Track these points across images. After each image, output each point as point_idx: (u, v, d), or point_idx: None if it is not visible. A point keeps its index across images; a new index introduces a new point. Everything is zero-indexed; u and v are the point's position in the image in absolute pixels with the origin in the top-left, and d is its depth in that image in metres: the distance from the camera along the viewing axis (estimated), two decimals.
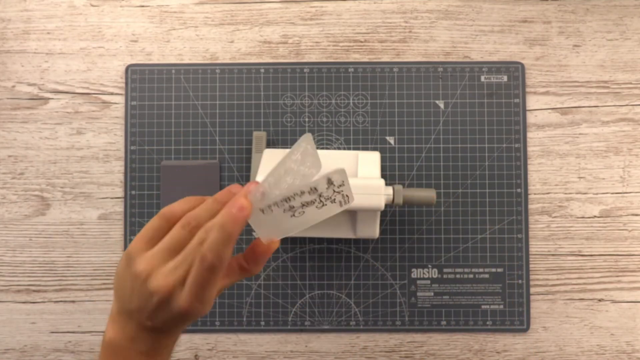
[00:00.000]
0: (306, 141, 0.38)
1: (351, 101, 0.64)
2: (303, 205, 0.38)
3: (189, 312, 0.35)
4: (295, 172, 0.38)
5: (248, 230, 0.63)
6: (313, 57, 0.65)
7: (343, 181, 0.38)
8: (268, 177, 0.37)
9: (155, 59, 0.65)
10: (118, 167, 0.64)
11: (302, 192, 0.38)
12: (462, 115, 0.64)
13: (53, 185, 0.64)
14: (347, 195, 0.39)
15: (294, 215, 0.38)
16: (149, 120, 0.64)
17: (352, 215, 0.57)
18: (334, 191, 0.38)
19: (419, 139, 0.64)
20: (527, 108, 0.64)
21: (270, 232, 0.39)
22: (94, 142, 0.64)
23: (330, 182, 0.38)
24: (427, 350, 0.62)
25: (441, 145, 0.63)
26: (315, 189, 0.38)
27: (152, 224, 0.37)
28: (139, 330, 0.37)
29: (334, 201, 0.39)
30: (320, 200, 0.38)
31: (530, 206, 0.63)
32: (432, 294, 0.63)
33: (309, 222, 0.39)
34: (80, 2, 0.65)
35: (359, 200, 0.51)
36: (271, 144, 0.64)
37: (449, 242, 0.63)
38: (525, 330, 0.62)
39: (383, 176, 0.63)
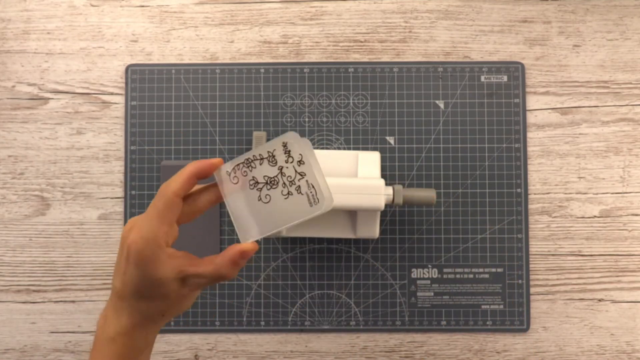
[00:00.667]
0: (287, 137, 0.38)
1: (351, 101, 0.64)
2: (267, 182, 0.38)
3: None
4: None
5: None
6: (313, 57, 0.65)
7: (301, 155, 0.37)
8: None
9: (155, 59, 0.65)
10: (118, 167, 0.64)
11: (262, 157, 0.38)
12: (462, 115, 0.64)
13: (53, 185, 0.64)
14: (313, 186, 0.37)
15: (260, 199, 0.38)
16: (149, 120, 0.64)
17: (352, 215, 0.57)
18: (296, 171, 0.37)
19: (419, 139, 0.64)
20: (527, 108, 0.64)
21: (247, 227, 0.38)
22: (94, 142, 0.64)
23: (285, 149, 0.37)
24: (427, 350, 0.62)
25: (441, 145, 0.63)
26: (273, 155, 0.37)
27: None
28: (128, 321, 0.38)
29: (299, 191, 0.37)
30: (284, 184, 0.37)
31: (530, 206, 0.63)
32: (432, 294, 0.63)
33: (280, 220, 0.38)
34: (80, 2, 0.65)
35: (359, 200, 0.51)
36: None
37: (449, 242, 0.63)
38: (525, 330, 0.62)
39: (383, 176, 0.63)
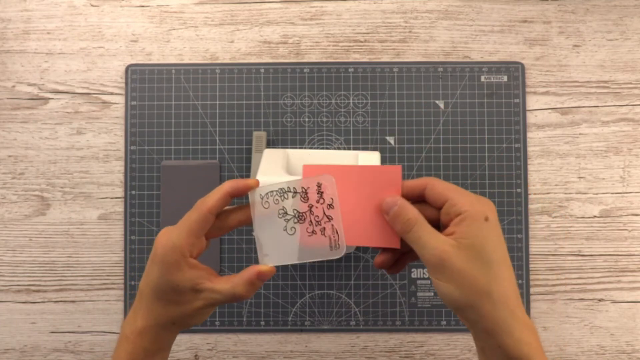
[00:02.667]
0: (324, 179, 0.39)
1: (351, 101, 0.64)
2: (295, 215, 0.39)
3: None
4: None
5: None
6: (313, 57, 0.65)
7: (332, 199, 0.38)
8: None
9: (155, 59, 0.65)
10: (118, 167, 0.64)
11: (295, 191, 0.39)
12: (462, 115, 0.64)
13: (53, 185, 0.64)
14: (337, 232, 0.39)
15: (286, 229, 0.39)
16: (149, 120, 0.64)
17: None
18: (324, 213, 0.39)
19: (419, 139, 0.64)
20: (527, 108, 0.64)
21: (268, 251, 0.40)
22: (94, 142, 0.64)
23: (319, 189, 0.38)
24: (427, 350, 0.62)
25: (441, 145, 0.63)
26: (306, 192, 0.39)
27: None
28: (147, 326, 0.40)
29: (323, 233, 0.39)
30: (311, 222, 0.39)
31: (530, 206, 0.63)
32: (432, 294, 0.63)
33: (300, 254, 0.40)
34: (80, 2, 0.65)
35: None
36: (271, 144, 0.64)
37: None
38: None
39: None
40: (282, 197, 0.39)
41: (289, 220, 0.39)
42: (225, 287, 0.39)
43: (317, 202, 0.39)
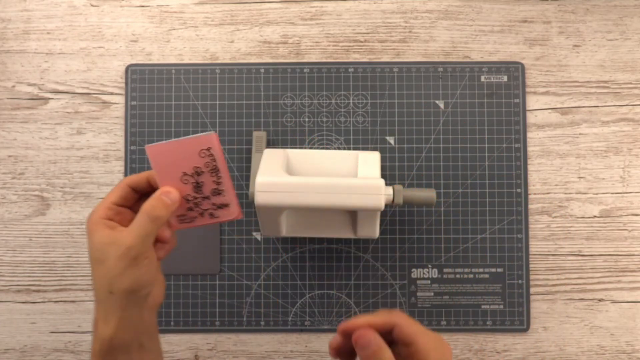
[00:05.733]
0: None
1: (351, 101, 0.64)
2: (196, 172, 0.43)
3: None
4: None
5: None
6: (313, 57, 0.65)
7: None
8: None
9: (155, 59, 0.65)
10: (118, 167, 0.64)
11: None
12: (462, 115, 0.64)
13: (53, 185, 0.64)
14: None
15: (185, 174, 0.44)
16: (149, 120, 0.64)
17: (352, 215, 0.57)
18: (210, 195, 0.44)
19: (419, 139, 0.64)
20: (527, 108, 0.64)
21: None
22: (94, 142, 0.64)
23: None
24: None
25: (441, 145, 0.63)
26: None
27: None
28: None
29: (203, 214, 0.46)
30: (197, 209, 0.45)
31: (530, 206, 0.63)
32: (432, 294, 0.63)
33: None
34: (80, 2, 0.65)
35: (359, 200, 0.51)
36: (271, 144, 0.64)
37: (449, 242, 0.63)
38: (525, 330, 0.62)
39: (383, 176, 0.63)
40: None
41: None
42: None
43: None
